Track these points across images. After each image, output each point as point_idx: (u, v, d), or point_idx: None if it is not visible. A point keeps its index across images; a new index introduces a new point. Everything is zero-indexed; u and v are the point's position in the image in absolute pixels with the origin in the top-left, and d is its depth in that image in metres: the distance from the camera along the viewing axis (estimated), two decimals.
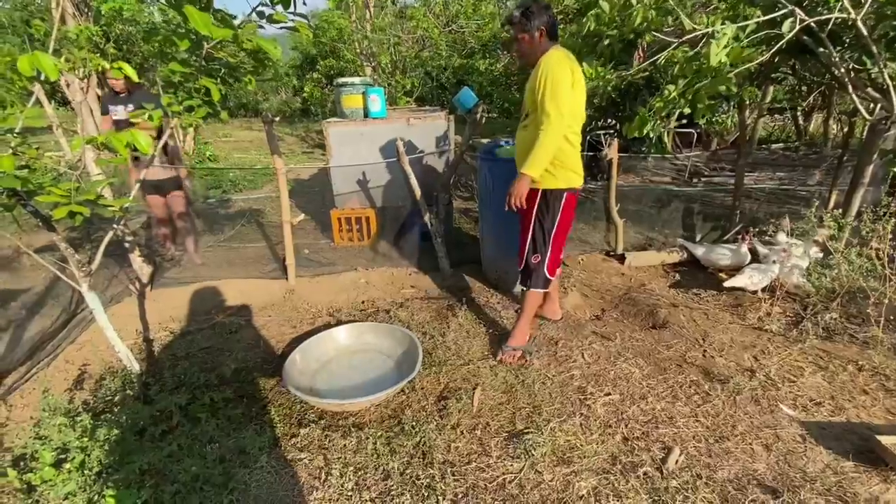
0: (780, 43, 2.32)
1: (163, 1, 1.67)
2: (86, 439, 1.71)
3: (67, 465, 1.64)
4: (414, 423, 1.94)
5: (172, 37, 1.72)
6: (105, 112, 3.40)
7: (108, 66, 1.67)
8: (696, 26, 2.40)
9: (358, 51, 8.02)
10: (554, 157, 2.12)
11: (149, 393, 2.07)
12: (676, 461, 1.74)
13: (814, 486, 1.62)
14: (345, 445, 1.84)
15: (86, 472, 1.63)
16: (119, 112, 3.32)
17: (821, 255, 3.03)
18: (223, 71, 1.92)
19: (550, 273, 2.36)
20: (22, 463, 1.79)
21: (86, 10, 7.75)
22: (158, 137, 3.11)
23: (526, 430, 1.90)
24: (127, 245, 3.04)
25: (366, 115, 3.83)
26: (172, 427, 1.92)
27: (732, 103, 6.30)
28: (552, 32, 2.12)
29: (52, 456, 1.67)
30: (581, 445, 1.82)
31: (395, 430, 1.92)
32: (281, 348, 2.59)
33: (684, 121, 2.98)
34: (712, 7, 4.37)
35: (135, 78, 1.67)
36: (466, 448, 1.84)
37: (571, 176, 2.20)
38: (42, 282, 3.31)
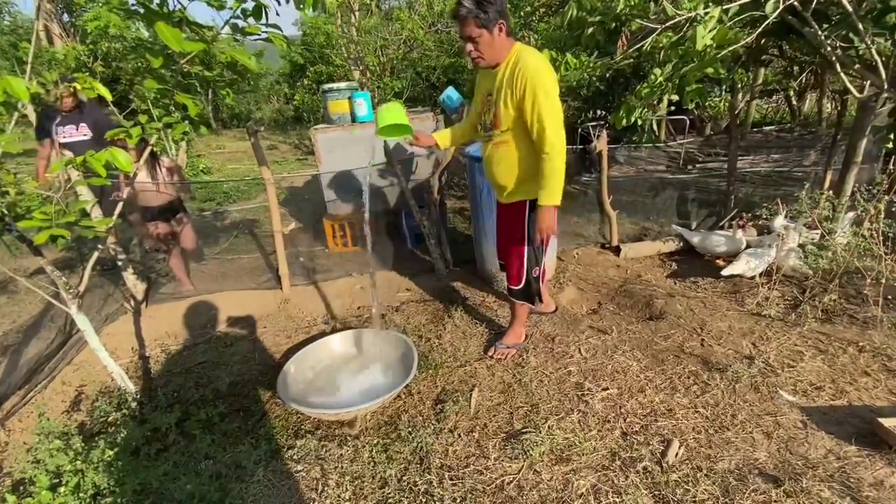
0: (765, 24, 2.30)
1: (137, 17, 1.65)
2: (79, 462, 1.71)
3: (62, 489, 1.64)
4: (411, 429, 1.93)
5: (147, 54, 1.71)
6: (46, 136, 3.01)
7: (78, 85, 1.65)
8: (678, 12, 2.38)
9: (346, 55, 8.00)
10: (535, 166, 1.93)
11: (143, 411, 2.07)
12: (676, 454, 1.72)
13: (816, 473, 1.59)
14: (341, 455, 1.83)
15: (81, 494, 1.62)
16: (67, 132, 3.03)
17: (816, 236, 3.00)
18: (199, 85, 1.90)
19: (544, 281, 2.32)
20: (21, 487, 1.79)
21: (72, 29, 7.77)
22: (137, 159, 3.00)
23: (524, 430, 1.88)
24: (119, 263, 3.04)
25: (353, 120, 3.82)
26: (167, 445, 1.91)
27: (725, 87, 6.26)
28: (510, 27, 1.86)
29: (48, 480, 1.67)
30: (579, 443, 1.80)
31: (391, 437, 1.91)
32: (277, 359, 2.58)
33: (673, 108, 2.96)
34: None
35: (108, 96, 1.66)
36: (464, 451, 1.82)
37: None
38: (38, 304, 3.31)
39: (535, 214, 2.01)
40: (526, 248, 2.16)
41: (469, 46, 1.85)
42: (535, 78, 1.77)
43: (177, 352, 2.72)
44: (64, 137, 3.01)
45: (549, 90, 1.79)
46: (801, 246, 2.90)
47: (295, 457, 1.84)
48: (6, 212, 1.70)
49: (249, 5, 1.76)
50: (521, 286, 2.25)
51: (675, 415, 1.91)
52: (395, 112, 2.00)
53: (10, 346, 2.84)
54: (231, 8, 1.77)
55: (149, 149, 2.06)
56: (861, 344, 2.23)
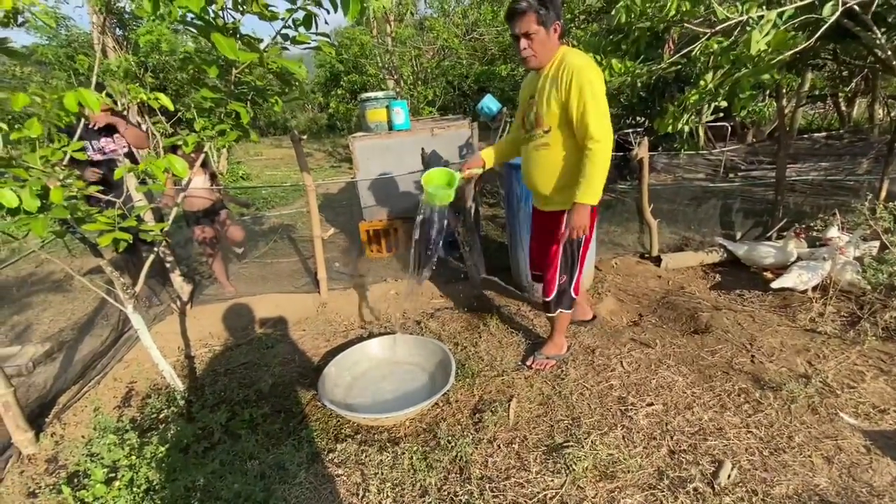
0: (823, 28, 2.20)
1: (192, 30, 1.73)
2: (134, 457, 1.77)
3: (117, 483, 1.70)
4: (450, 437, 1.91)
5: (202, 65, 1.78)
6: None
7: (145, 97, 1.74)
8: (729, 15, 2.31)
9: (380, 65, 8.15)
10: (578, 174, 1.88)
11: (191, 410, 2.14)
12: (728, 476, 1.64)
13: (882, 502, 1.49)
14: (381, 461, 1.84)
15: (134, 489, 1.68)
16: (104, 144, 2.93)
17: (875, 249, 2.84)
18: (251, 94, 1.97)
19: (576, 292, 2.26)
20: (76, 480, 1.87)
21: (125, 42, 8.21)
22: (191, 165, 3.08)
23: (565, 444, 1.84)
24: (168, 265, 3.16)
25: (390, 128, 3.87)
26: (214, 444, 1.97)
27: (768, 92, 6.03)
28: (564, 30, 1.87)
29: (103, 473, 1.73)
30: (624, 459, 1.74)
31: (430, 445, 1.90)
32: (316, 362, 2.62)
33: (718, 114, 2.85)
34: None
35: (170, 107, 1.74)
36: (504, 463, 1.80)
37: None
38: (92, 302, 3.48)
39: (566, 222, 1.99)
40: (559, 258, 2.13)
41: (524, 43, 1.83)
42: (580, 74, 1.76)
43: (220, 352, 2.80)
44: (100, 150, 2.96)
45: (595, 86, 1.77)
46: (859, 259, 2.75)
47: (336, 460, 1.86)
48: (71, 215, 1.79)
49: (300, 15, 1.81)
50: (553, 297, 2.22)
51: (726, 434, 1.83)
52: (438, 177, 2.22)
53: (65, 342, 3.00)
54: (283, 18, 1.82)
55: (202, 156, 2.14)
56: None
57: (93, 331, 3.12)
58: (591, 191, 1.85)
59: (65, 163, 1.72)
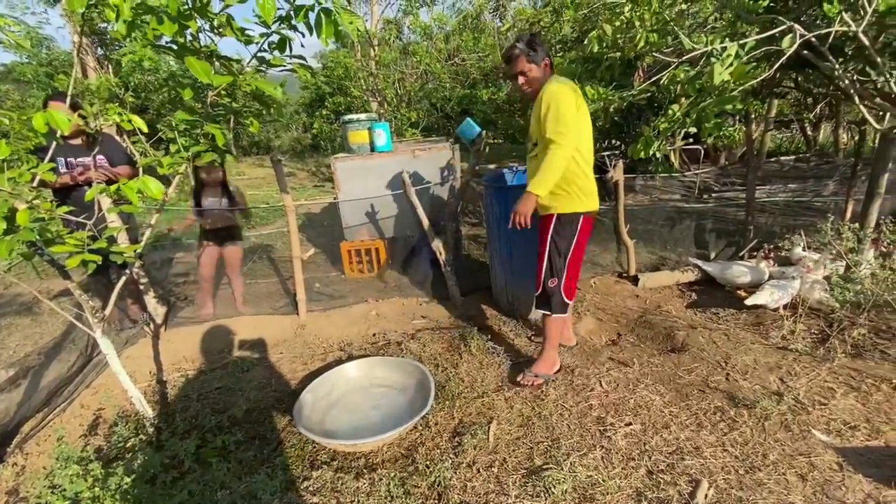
0: (781, 59, 2.32)
1: (167, 53, 1.74)
2: (97, 489, 1.69)
3: None
4: (428, 462, 1.88)
5: (176, 87, 1.79)
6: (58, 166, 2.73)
7: (118, 118, 1.72)
8: (695, 46, 2.42)
9: (364, 87, 8.26)
10: (565, 181, 2.14)
11: (161, 437, 2.06)
12: (706, 495, 1.64)
13: None
14: (358, 488, 1.79)
15: None
16: (80, 163, 2.83)
17: (841, 268, 2.94)
18: (228, 115, 1.97)
19: (568, 297, 2.33)
20: None
21: (107, 63, 8.18)
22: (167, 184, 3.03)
23: (545, 466, 1.83)
24: (142, 286, 3.09)
25: (372, 150, 3.90)
26: (184, 473, 1.89)
27: (738, 118, 6.29)
28: (552, 63, 2.21)
29: None
30: (603, 481, 1.73)
31: (408, 470, 1.87)
32: (293, 386, 2.57)
33: (690, 139, 2.98)
34: (709, 27, 4.42)
35: (144, 128, 1.73)
36: (483, 487, 1.77)
37: (585, 199, 2.21)
38: (61, 326, 3.36)
39: (560, 227, 2.22)
40: (546, 258, 2.28)
41: (521, 79, 2.18)
42: (548, 95, 2.06)
43: (194, 376, 2.72)
44: (75, 166, 2.83)
45: (558, 103, 2.02)
46: (827, 278, 2.84)
47: (311, 488, 1.81)
48: (38, 237, 1.75)
49: (275, 38, 1.83)
50: (538, 292, 2.35)
51: (703, 453, 1.84)
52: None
53: (31, 367, 2.88)
54: (257, 42, 1.85)
55: (178, 178, 2.12)
56: (895, 381, 2.15)
57: (60, 356, 3.00)
58: (540, 182, 2.06)
59: (34, 184, 1.69)
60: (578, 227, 2.23)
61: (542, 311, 2.36)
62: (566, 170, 2.10)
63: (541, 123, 2.09)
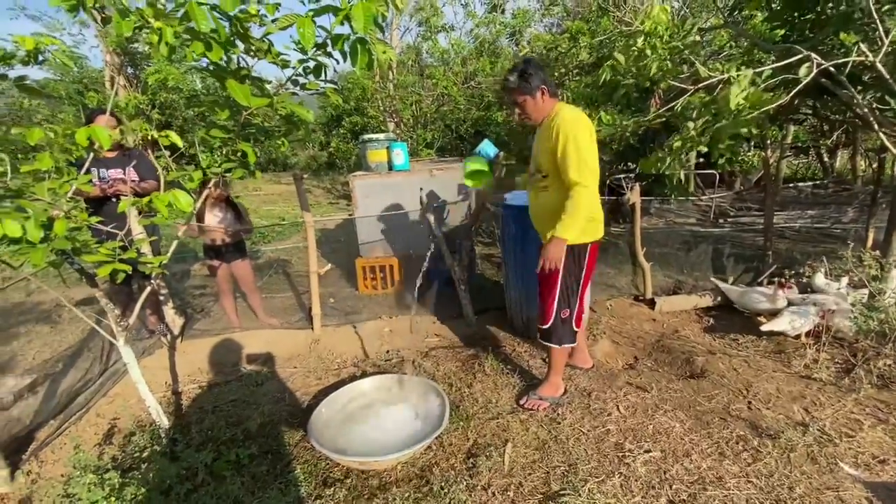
0: (798, 87, 2.34)
1: (207, 74, 1.81)
2: (113, 499, 1.70)
3: None
4: (443, 483, 1.86)
5: (214, 107, 1.86)
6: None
7: (155, 135, 1.80)
8: (711, 73, 2.45)
9: (381, 108, 8.45)
10: None
11: (176, 449, 2.06)
12: None
13: None
14: None
15: None
16: (113, 176, 2.92)
17: (864, 296, 2.88)
18: (259, 134, 2.04)
19: (577, 325, 2.31)
20: None
21: (135, 81, 8.50)
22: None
23: (562, 492, 1.79)
24: (161, 297, 3.14)
25: (390, 168, 3.97)
26: (198, 485, 1.89)
27: (753, 143, 6.29)
28: (552, 89, 2.11)
29: None
30: None
31: (423, 491, 1.84)
32: (306, 401, 2.56)
33: (702, 159, 2.99)
34: (725, 54, 4.47)
35: (179, 143, 1.79)
36: None
37: (596, 227, 2.19)
38: (80, 334, 3.42)
39: (573, 257, 2.14)
40: (558, 288, 2.21)
41: (517, 109, 2.16)
42: (565, 129, 1.96)
43: (208, 388, 2.73)
44: (105, 182, 2.92)
45: (579, 142, 1.95)
46: (850, 306, 2.78)
47: None
48: (72, 246, 1.80)
49: (311, 64, 1.90)
50: (548, 325, 2.26)
51: (726, 484, 1.79)
52: (476, 163, 2.77)
53: (49, 374, 2.92)
54: (294, 66, 1.92)
55: (204, 192, 2.17)
56: None
57: (78, 363, 3.04)
58: (567, 227, 1.99)
59: (69, 195, 1.75)
60: (588, 255, 2.20)
61: (549, 345, 2.30)
62: None
63: (552, 155, 2.02)
